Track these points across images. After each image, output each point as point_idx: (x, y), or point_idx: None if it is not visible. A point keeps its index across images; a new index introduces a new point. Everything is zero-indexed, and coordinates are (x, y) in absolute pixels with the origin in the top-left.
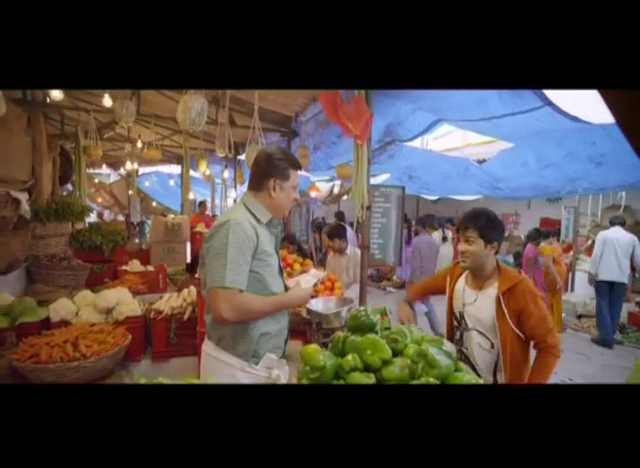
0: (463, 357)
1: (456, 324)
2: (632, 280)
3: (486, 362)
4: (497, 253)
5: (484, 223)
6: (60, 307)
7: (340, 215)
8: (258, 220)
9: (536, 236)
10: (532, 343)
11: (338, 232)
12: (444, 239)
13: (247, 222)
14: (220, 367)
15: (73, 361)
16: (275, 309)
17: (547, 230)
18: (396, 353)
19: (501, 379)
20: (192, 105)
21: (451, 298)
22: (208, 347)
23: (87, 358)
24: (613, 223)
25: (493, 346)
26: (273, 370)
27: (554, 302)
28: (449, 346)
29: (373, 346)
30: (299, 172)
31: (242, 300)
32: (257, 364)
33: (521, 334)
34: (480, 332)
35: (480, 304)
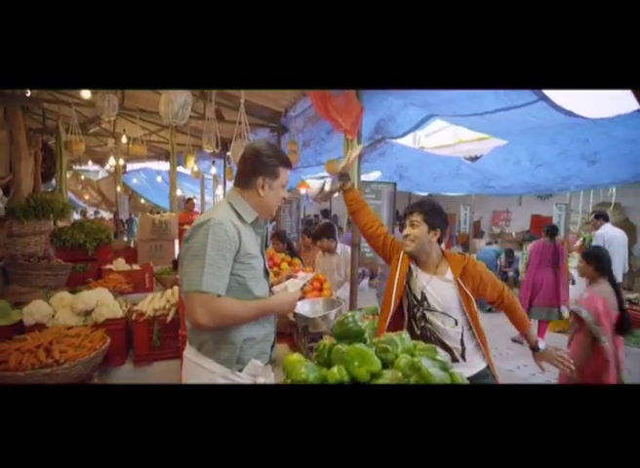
0: (429, 333)
1: (415, 303)
2: (622, 277)
3: (451, 336)
4: (440, 242)
5: (428, 209)
6: (35, 310)
7: (325, 213)
8: (242, 220)
9: (555, 232)
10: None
11: (326, 232)
12: None
13: (229, 222)
14: (201, 373)
15: (45, 367)
16: (257, 315)
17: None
18: (386, 364)
19: (470, 346)
20: (175, 98)
21: (402, 278)
22: (189, 352)
23: (60, 364)
24: (605, 218)
25: (456, 323)
26: (258, 377)
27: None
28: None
29: (360, 357)
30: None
31: (219, 306)
32: (240, 370)
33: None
34: (442, 313)
35: (437, 288)
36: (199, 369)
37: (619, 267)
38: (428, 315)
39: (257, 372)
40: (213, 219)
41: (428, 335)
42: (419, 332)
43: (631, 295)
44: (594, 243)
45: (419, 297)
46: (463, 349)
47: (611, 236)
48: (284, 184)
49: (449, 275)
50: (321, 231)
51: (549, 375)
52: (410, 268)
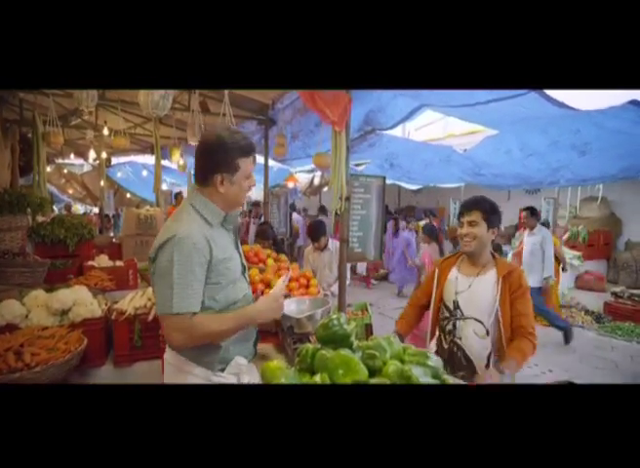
0: (456, 348)
1: (448, 314)
2: (607, 270)
3: (480, 349)
4: (494, 240)
5: (488, 207)
6: (6, 310)
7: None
8: (209, 224)
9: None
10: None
11: (322, 230)
12: None
13: (197, 233)
14: (182, 377)
15: (14, 372)
16: (239, 327)
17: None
18: (373, 371)
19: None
20: None
21: (440, 290)
22: (169, 356)
23: (31, 368)
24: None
25: (488, 333)
26: (242, 375)
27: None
28: (434, 360)
29: (345, 365)
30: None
31: (193, 325)
32: (223, 370)
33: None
34: (476, 320)
35: (477, 289)
36: (180, 373)
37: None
38: (459, 325)
39: (240, 370)
40: (177, 235)
41: (455, 350)
42: (446, 347)
43: (617, 289)
44: (534, 244)
45: (451, 307)
46: (487, 366)
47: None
48: (247, 175)
49: (492, 274)
50: (317, 230)
51: (535, 368)
52: (448, 276)
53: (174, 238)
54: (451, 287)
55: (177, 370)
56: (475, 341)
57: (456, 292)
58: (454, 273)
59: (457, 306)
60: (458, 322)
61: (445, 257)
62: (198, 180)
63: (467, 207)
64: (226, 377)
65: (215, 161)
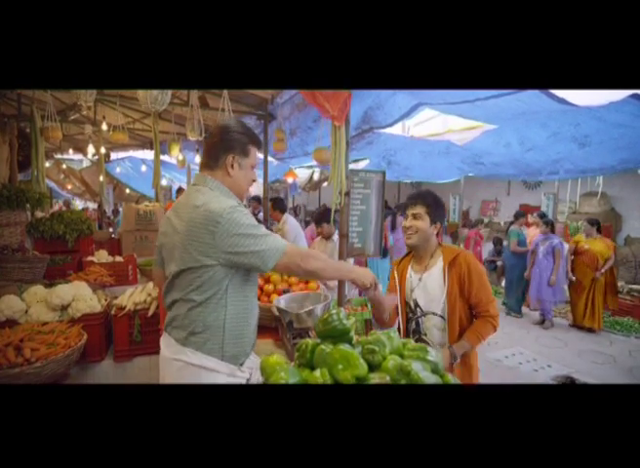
0: (425, 344)
1: (410, 314)
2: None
3: (442, 343)
4: (438, 234)
5: (431, 201)
6: (5, 305)
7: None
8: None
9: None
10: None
11: (326, 216)
12: None
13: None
14: (204, 376)
15: (14, 367)
16: (337, 268)
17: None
18: (373, 366)
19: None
20: None
21: (403, 291)
22: (186, 356)
23: (32, 363)
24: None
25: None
26: (255, 370)
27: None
28: (434, 355)
29: (345, 360)
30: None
31: (298, 249)
32: (243, 364)
33: (466, 307)
34: (434, 314)
35: (426, 283)
36: (202, 371)
37: None
38: (422, 322)
39: (254, 365)
40: (230, 207)
41: None
42: None
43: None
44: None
45: (412, 305)
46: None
47: None
48: (254, 165)
49: (439, 264)
50: (321, 216)
51: (534, 363)
52: (406, 276)
53: (225, 209)
54: (407, 286)
55: (198, 370)
56: (437, 336)
57: (411, 290)
58: (408, 272)
59: (416, 304)
60: (420, 319)
61: (400, 258)
62: (208, 164)
63: (412, 199)
64: (245, 372)
65: (229, 141)
